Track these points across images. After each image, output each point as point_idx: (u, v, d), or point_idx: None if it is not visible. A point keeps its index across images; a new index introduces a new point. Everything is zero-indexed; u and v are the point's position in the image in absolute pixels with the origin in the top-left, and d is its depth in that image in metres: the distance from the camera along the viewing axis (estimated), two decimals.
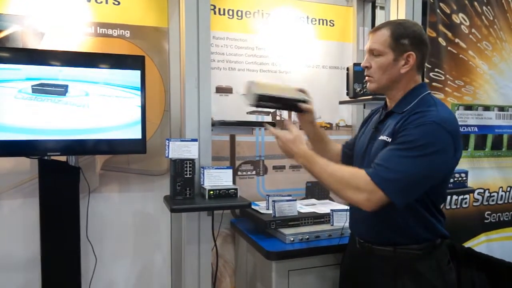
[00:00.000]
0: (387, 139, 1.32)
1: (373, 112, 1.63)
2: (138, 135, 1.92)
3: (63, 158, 1.90)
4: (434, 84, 2.62)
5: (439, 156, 1.22)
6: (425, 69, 2.57)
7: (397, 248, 1.34)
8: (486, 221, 2.87)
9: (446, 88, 2.68)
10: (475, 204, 2.84)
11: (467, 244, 2.65)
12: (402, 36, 1.33)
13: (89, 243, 2.03)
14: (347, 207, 1.92)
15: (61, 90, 1.79)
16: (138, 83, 1.91)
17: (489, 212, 2.88)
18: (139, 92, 1.91)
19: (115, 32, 2.10)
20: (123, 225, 2.15)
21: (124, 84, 1.89)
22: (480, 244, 2.76)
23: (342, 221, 1.92)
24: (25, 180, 1.97)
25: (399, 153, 1.23)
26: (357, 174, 1.25)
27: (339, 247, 1.74)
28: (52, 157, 1.85)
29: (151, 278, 2.22)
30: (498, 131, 2.90)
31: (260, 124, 2.36)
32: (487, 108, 2.84)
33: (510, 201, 2.94)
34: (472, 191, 2.44)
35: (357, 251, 1.45)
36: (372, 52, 1.36)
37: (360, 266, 1.43)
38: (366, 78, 1.41)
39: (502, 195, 2.92)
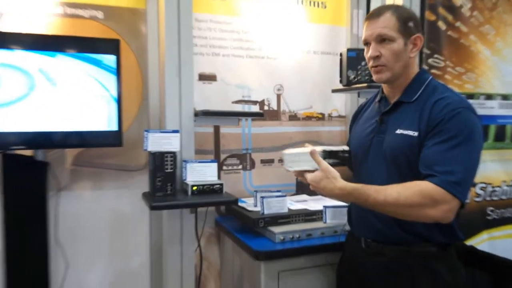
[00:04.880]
0: (413, 133, 1.33)
1: (363, 105, 1.65)
2: (114, 126, 1.91)
3: (29, 153, 1.88)
4: (433, 71, 2.65)
5: (480, 140, 1.29)
6: (423, 55, 2.60)
7: (411, 247, 1.37)
8: (488, 217, 2.92)
9: (446, 76, 2.71)
10: (476, 199, 2.89)
11: (469, 242, 2.70)
12: (409, 19, 1.37)
13: (58, 245, 2.01)
14: (341, 203, 1.94)
15: (25, 77, 1.76)
16: (113, 70, 1.89)
17: (492, 208, 2.93)
18: (114, 79, 1.89)
19: (86, 12, 2.07)
20: (97, 226, 2.14)
21: (98, 70, 1.87)
22: (483, 242, 2.82)
23: (335, 218, 1.93)
24: None
25: (452, 152, 1.25)
26: (426, 189, 1.23)
27: (332, 246, 1.76)
28: (17, 151, 1.82)
29: (129, 283, 2.21)
30: (501, 122, 2.94)
31: (247, 114, 2.37)
32: (489, 96, 2.88)
33: None
34: (473, 185, 2.48)
35: (362, 252, 1.47)
36: (380, 39, 1.36)
37: (367, 268, 1.45)
38: (375, 68, 1.40)
39: (505, 190, 2.97)
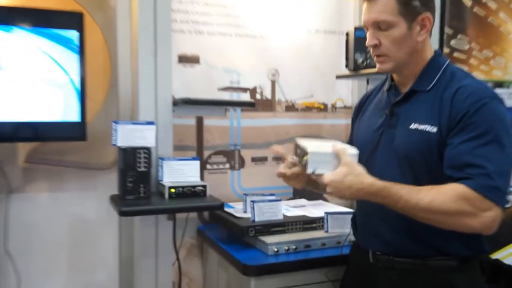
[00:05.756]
0: (431, 129, 1.34)
1: (369, 94, 1.66)
2: (75, 117, 1.90)
3: None
4: (455, 55, 2.67)
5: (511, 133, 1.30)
6: (445, 36, 2.62)
7: (427, 260, 1.38)
8: None
9: (471, 60, 2.73)
10: (507, 206, 2.92)
11: (496, 256, 2.73)
12: None
13: (8, 257, 2.00)
14: (345, 209, 1.95)
15: None
16: (75, 49, 1.88)
17: None
18: (76, 60, 1.88)
19: None
20: (55, 235, 2.13)
21: (56, 49, 1.86)
22: (511, 255, 2.85)
23: (338, 227, 1.94)
24: None
25: (484, 150, 1.26)
26: (463, 195, 1.24)
27: (335, 260, 1.76)
28: None
29: None
30: None
31: (236, 103, 2.37)
32: None
33: None
34: None
35: (370, 266, 1.48)
36: (377, 26, 1.38)
37: (375, 285, 1.46)
38: (377, 58, 1.42)
39: None
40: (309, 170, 1.33)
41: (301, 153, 1.40)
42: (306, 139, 1.49)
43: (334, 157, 1.33)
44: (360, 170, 1.31)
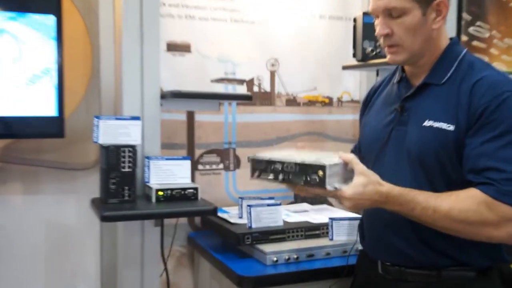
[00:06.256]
0: (448, 126, 1.33)
1: (377, 87, 1.65)
2: (52, 111, 1.89)
3: None
4: (474, 43, 2.67)
5: None
6: (462, 22, 2.61)
7: (442, 271, 1.38)
8: None
9: (492, 50, 2.73)
10: None
11: None
12: None
13: None
14: (352, 215, 1.95)
15: None
16: (52, 35, 1.87)
17: None
18: (53, 47, 1.87)
19: None
20: (30, 242, 2.13)
21: (30, 35, 1.85)
22: None
23: (345, 234, 1.94)
24: None
25: (506, 151, 1.26)
26: (483, 202, 1.24)
27: (341, 271, 1.76)
28: None
29: None
30: None
31: (231, 97, 2.36)
32: None
33: None
34: None
35: (379, 278, 1.48)
36: (388, 13, 1.37)
37: None
38: (389, 49, 1.41)
39: None
40: (329, 187, 1.29)
41: (299, 169, 1.34)
42: (265, 153, 1.45)
43: (341, 167, 1.31)
44: (376, 177, 1.30)
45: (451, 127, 1.33)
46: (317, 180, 1.29)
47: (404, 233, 1.39)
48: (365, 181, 1.28)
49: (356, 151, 1.66)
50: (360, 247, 1.64)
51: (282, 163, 1.36)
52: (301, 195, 1.59)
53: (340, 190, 1.28)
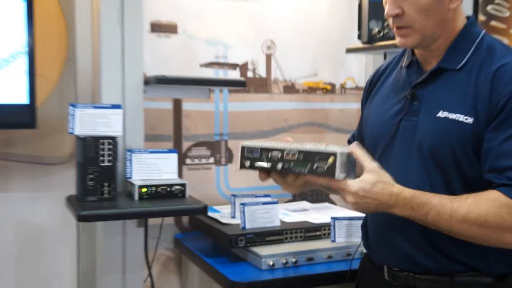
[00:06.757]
0: (465, 118, 1.32)
1: (382, 70, 1.63)
2: (22, 98, 1.89)
3: None
4: (492, 23, 2.66)
5: None
6: (479, 1, 2.61)
7: (455, 277, 1.38)
8: None
9: None
10: None
11: None
12: None
13: None
14: (357, 214, 1.95)
15: None
16: (21, 13, 1.86)
17: None
18: (23, 28, 1.87)
19: None
20: None
21: None
22: None
23: (348, 236, 1.95)
24: None
25: None
26: (504, 205, 1.23)
27: (343, 276, 1.76)
28: None
29: None
30: None
31: (222, 83, 2.35)
32: None
33: None
34: None
35: (386, 284, 1.48)
36: None
37: None
38: (398, 31, 1.39)
39: None
40: (340, 175, 1.28)
41: (303, 157, 1.33)
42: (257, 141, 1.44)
43: (346, 158, 1.30)
44: (389, 177, 1.30)
45: (470, 120, 1.31)
46: (325, 168, 1.28)
47: (413, 235, 1.38)
48: (375, 179, 1.27)
49: (352, 141, 1.64)
50: (364, 249, 1.64)
51: (282, 150, 1.35)
52: (292, 192, 1.57)
53: (345, 182, 1.27)
